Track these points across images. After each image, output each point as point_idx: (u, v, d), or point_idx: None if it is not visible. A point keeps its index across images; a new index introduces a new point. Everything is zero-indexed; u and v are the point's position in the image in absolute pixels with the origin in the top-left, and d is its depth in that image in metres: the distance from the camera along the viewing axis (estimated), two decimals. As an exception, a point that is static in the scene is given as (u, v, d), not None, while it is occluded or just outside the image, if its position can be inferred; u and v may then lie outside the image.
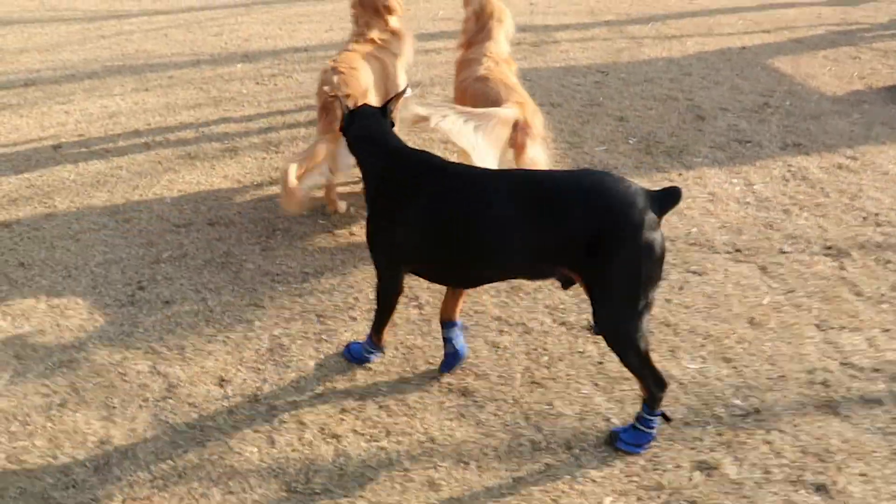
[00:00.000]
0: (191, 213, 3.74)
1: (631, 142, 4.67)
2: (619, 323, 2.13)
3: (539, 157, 3.29)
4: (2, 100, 5.40)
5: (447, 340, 2.59)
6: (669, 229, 3.59)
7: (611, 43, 7.13)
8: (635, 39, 7.27)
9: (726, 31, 7.69)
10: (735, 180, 4.14)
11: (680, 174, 4.21)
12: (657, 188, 2.14)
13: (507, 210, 2.13)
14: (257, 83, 5.78)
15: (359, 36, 3.81)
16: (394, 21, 3.87)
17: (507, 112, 3.09)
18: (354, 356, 2.68)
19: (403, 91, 2.84)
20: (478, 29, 3.61)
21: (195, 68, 6.16)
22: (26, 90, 5.58)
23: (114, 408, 2.46)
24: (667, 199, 2.09)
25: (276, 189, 3.99)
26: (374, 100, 3.54)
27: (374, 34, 3.78)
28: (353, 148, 2.53)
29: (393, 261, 2.41)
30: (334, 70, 3.49)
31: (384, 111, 2.56)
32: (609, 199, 2.04)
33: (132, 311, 2.97)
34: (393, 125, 2.58)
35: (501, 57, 3.50)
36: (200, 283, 3.15)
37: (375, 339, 2.62)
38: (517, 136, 3.15)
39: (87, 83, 5.77)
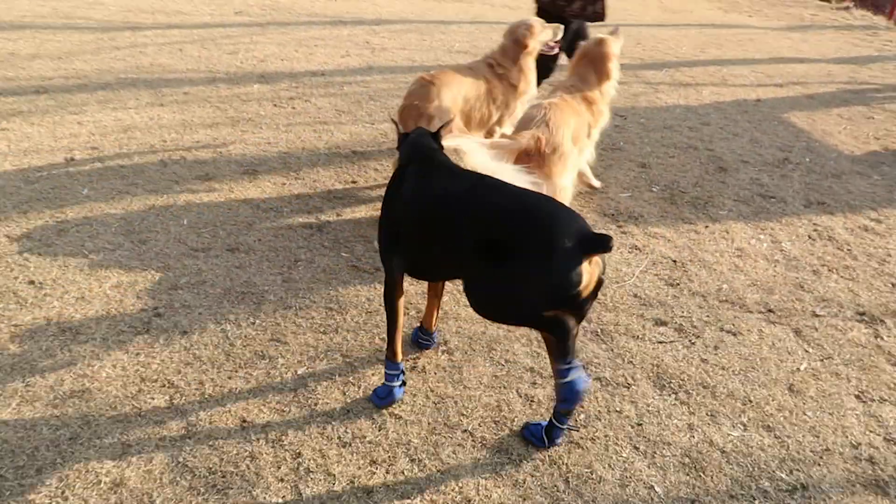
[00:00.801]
0: (209, 237, 3.62)
1: (654, 190, 4.62)
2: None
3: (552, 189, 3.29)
4: (12, 106, 5.26)
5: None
6: (700, 284, 3.52)
7: (627, 87, 7.14)
8: (651, 85, 7.29)
9: (740, 82, 7.75)
10: (762, 236, 4.09)
11: (706, 226, 4.16)
12: (599, 231, 2.11)
13: (458, 210, 2.20)
14: (275, 105, 5.70)
15: (489, 59, 4.12)
16: (524, 61, 4.15)
17: (510, 143, 3.21)
18: (380, 396, 2.56)
19: (451, 120, 2.86)
20: (578, 64, 3.83)
21: (211, 86, 6.07)
22: (38, 98, 5.46)
23: (129, 446, 2.32)
24: (595, 243, 2.03)
25: (296, 217, 3.88)
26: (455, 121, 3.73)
27: (504, 67, 4.08)
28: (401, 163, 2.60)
29: (389, 252, 2.46)
30: (426, 81, 3.71)
31: (436, 135, 2.63)
32: (541, 217, 2.07)
33: (148, 339, 2.84)
34: (441, 148, 2.63)
35: (581, 94, 3.64)
36: (220, 314, 3.02)
37: (389, 353, 2.53)
38: (531, 165, 3.18)
39: (100, 94, 5.65)
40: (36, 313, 2.95)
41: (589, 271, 2.04)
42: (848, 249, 4.00)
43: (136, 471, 2.23)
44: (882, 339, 3.19)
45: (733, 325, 3.22)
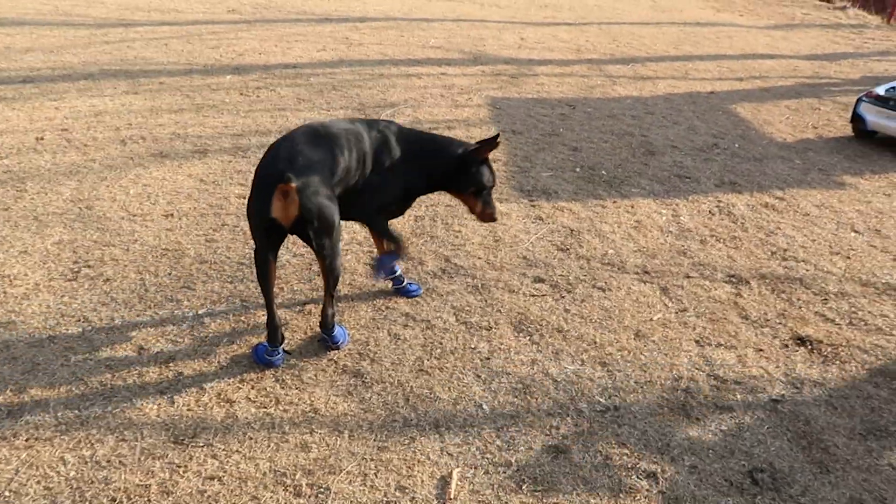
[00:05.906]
0: (150, 204, 4.04)
1: (577, 170, 4.95)
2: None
3: None
4: None
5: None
6: (588, 250, 3.86)
7: (587, 80, 7.46)
8: (611, 78, 7.60)
9: (700, 76, 8.01)
10: (664, 211, 4.40)
11: (614, 202, 4.48)
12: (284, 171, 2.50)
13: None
14: (241, 94, 6.13)
15: None
16: None
17: None
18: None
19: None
20: None
21: (186, 76, 6.53)
22: (23, 86, 5.96)
23: (38, 364, 2.73)
24: (277, 179, 2.46)
25: (233, 189, 4.29)
26: None
27: None
28: None
29: None
30: None
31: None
32: (265, 158, 2.65)
33: (74, 285, 3.25)
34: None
35: None
36: (143, 266, 3.43)
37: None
38: None
39: (81, 83, 6.14)
40: (-18, 262, 3.39)
41: (282, 203, 2.47)
42: (742, 223, 4.30)
43: (39, 382, 2.64)
44: (741, 296, 3.50)
45: (605, 283, 3.55)
